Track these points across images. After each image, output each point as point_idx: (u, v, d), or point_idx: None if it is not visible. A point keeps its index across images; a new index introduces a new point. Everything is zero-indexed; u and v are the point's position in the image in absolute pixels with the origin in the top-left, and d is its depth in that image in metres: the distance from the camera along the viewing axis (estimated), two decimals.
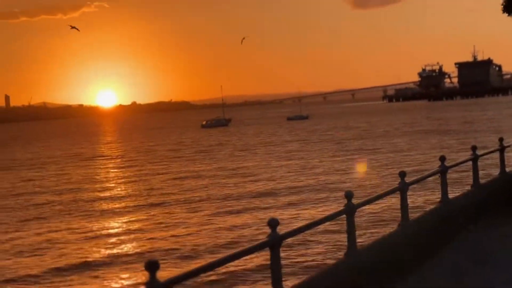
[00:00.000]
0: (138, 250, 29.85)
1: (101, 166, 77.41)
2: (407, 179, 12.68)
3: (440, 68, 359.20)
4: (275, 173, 56.54)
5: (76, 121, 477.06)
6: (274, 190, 45.67)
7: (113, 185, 56.93)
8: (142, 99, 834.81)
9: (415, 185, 15.65)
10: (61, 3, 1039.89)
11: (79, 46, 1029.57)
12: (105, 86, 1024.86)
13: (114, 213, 40.95)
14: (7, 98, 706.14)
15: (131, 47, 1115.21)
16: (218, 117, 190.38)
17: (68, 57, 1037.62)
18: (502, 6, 23.20)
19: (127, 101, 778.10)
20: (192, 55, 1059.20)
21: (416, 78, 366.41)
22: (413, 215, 13.12)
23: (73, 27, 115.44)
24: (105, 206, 44.27)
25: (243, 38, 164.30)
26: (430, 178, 16.63)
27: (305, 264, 24.92)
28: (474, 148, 16.69)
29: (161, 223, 36.08)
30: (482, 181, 16.78)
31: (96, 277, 25.82)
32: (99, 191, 52.66)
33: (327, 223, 11.53)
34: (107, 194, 50.83)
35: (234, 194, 44.78)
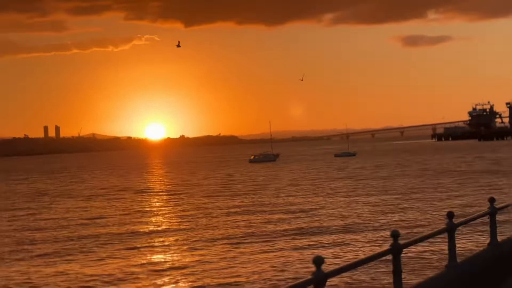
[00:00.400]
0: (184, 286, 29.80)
1: (149, 200, 77.67)
2: (455, 220, 12.47)
3: (491, 108, 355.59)
4: (320, 209, 56.29)
5: (124, 153, 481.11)
6: (319, 227, 45.41)
7: (160, 219, 57.07)
8: (191, 133, 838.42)
9: (463, 227, 15.39)
10: (113, 36, 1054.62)
11: (129, 79, 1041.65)
12: (153, 119, 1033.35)
13: (156, 248, 41.00)
14: (57, 129, 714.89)
15: (181, 80, 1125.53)
16: (266, 152, 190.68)
17: (118, 90, 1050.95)
18: None
19: (175, 134, 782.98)
20: (241, 90, 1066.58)
21: (466, 117, 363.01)
22: (460, 257, 12.89)
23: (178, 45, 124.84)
24: (149, 240, 44.35)
25: (303, 76, 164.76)
26: (479, 220, 16.34)
27: None
28: None
29: (202, 259, 36.01)
30: None
31: None
32: (145, 225, 52.85)
33: (372, 262, 11.36)
34: (152, 227, 51.00)
35: (279, 230, 44.59)
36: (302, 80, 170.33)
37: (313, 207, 58.59)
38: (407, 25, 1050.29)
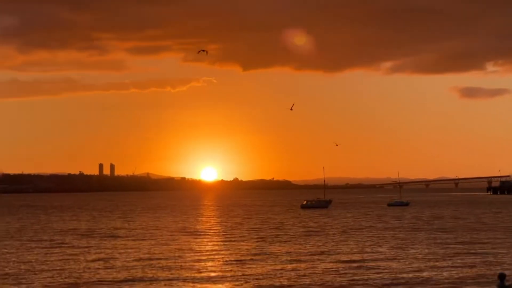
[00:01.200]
0: None
1: (201, 241, 78.05)
2: (507, 282, 12.68)
3: None
4: (367, 258, 56.35)
5: (178, 193, 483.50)
6: (366, 276, 45.45)
7: (211, 263, 57.40)
8: (244, 176, 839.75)
9: None
10: (171, 77, 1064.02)
11: (186, 120, 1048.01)
12: (208, 160, 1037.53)
13: None
14: (112, 167, 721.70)
15: (236, 123, 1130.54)
16: (319, 198, 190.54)
17: (173, 130, 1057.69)
18: None
19: (229, 177, 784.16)
20: (296, 135, 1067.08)
21: None
22: None
23: (201, 51, 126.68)
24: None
25: (292, 106, 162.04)
26: None
27: None
28: None
29: None
30: None
31: None
32: (200, 270, 53.22)
33: None
34: (204, 273, 51.39)
35: (332, 282, 44.61)
36: (291, 109, 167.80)
37: (362, 256, 58.61)
38: (466, 76, 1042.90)
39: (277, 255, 60.57)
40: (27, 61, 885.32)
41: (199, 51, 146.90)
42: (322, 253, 62.54)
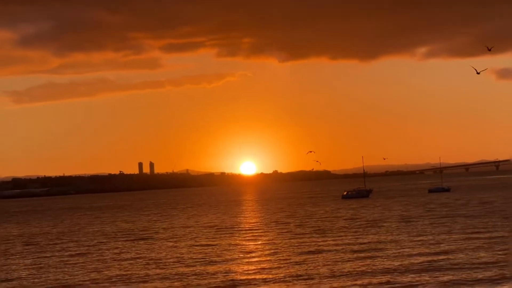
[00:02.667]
0: None
1: (243, 238, 78.32)
2: None
3: None
4: (403, 249, 56.40)
5: (218, 189, 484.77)
6: (404, 267, 45.56)
7: (254, 258, 57.68)
8: (284, 168, 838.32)
9: None
10: (206, 72, 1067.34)
11: (222, 115, 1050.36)
12: (247, 154, 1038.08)
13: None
14: (151, 165, 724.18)
15: (274, 116, 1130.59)
16: (359, 187, 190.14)
17: (211, 126, 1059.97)
18: None
19: (268, 170, 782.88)
20: (334, 124, 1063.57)
21: None
22: None
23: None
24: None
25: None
26: None
27: None
28: None
29: None
30: None
31: None
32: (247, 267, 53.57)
33: None
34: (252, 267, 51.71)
35: (363, 270, 44.77)
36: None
37: (395, 246, 58.57)
38: (502, 58, 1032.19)
39: (308, 245, 60.73)
40: (62, 64, 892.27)
41: (307, 152, 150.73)
42: (348, 244, 62.50)
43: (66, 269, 56.42)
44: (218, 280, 46.08)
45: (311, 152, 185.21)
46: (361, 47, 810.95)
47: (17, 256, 69.96)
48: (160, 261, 58.43)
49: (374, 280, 42.53)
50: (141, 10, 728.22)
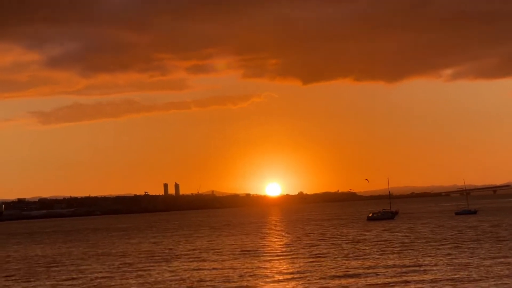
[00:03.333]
0: None
1: (267, 261, 77.79)
2: None
3: None
4: (427, 273, 55.62)
5: (243, 210, 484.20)
6: None
7: (279, 282, 57.22)
8: (309, 190, 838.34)
9: None
10: (232, 93, 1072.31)
11: (248, 136, 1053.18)
12: (272, 175, 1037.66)
13: None
14: (177, 186, 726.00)
15: (299, 137, 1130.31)
16: (384, 209, 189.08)
17: (236, 147, 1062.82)
18: None
19: (294, 191, 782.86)
20: (359, 146, 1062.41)
21: None
22: None
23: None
24: None
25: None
26: None
27: None
28: None
29: None
30: None
31: None
32: None
33: None
34: None
35: None
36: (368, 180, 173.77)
37: (418, 271, 57.86)
38: None
39: (332, 269, 60.14)
40: (89, 85, 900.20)
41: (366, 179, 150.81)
42: (395, 266, 61.81)
43: None
44: None
45: (367, 180, 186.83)
46: (386, 69, 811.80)
47: (43, 276, 69.87)
48: (184, 282, 58.09)
49: None
50: (167, 31, 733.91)
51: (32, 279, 68.41)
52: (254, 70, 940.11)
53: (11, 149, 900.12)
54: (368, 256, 73.61)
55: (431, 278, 53.07)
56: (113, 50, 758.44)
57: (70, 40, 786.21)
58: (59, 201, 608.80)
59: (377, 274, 57.17)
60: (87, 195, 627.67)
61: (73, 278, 66.99)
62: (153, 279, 61.99)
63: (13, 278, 70.67)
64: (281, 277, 59.06)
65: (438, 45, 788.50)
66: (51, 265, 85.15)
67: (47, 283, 64.25)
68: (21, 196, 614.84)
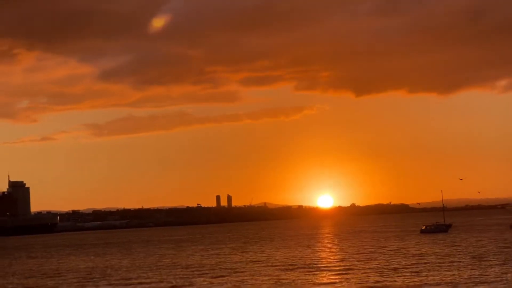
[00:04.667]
0: None
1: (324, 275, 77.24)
2: None
3: None
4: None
5: (295, 222, 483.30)
6: None
7: None
8: (361, 201, 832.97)
9: None
10: (284, 106, 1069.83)
11: (300, 148, 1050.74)
12: (324, 187, 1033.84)
13: None
14: (229, 198, 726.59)
15: (351, 149, 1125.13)
16: (438, 222, 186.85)
17: (288, 159, 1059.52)
18: None
19: (346, 203, 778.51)
20: (412, 158, 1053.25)
21: None
22: None
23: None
24: None
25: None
26: None
27: None
28: None
29: None
30: None
31: None
32: None
33: None
34: None
35: None
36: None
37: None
38: None
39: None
40: (142, 98, 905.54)
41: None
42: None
43: None
44: None
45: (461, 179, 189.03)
46: (439, 80, 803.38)
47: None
48: None
49: None
50: (220, 44, 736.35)
51: None
52: (306, 83, 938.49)
53: (65, 161, 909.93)
54: (420, 269, 72.62)
55: None
56: (166, 63, 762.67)
57: (123, 53, 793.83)
58: (113, 213, 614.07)
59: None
60: (140, 207, 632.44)
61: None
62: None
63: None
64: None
65: (492, 56, 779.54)
66: (96, 277, 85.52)
67: None
68: (75, 208, 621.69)
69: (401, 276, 67.48)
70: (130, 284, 73.35)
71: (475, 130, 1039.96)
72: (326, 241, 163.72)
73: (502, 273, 65.14)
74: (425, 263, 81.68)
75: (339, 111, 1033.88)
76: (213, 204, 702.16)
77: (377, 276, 68.36)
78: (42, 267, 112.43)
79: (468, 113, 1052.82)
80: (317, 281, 67.55)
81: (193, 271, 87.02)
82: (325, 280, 68.17)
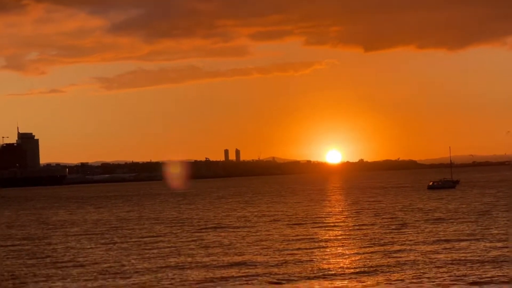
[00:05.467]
0: None
1: (317, 231, 77.19)
2: None
3: None
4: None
5: (303, 176, 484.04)
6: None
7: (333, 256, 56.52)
8: (370, 157, 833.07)
9: None
10: (294, 60, 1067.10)
11: (309, 103, 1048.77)
12: (333, 143, 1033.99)
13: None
14: (237, 152, 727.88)
15: (360, 104, 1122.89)
16: (445, 178, 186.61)
17: (297, 114, 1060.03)
18: None
19: (354, 159, 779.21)
20: (420, 114, 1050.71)
21: None
22: None
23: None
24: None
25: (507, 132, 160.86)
26: None
27: None
28: None
29: None
30: None
31: None
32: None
33: None
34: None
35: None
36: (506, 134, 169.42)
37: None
38: None
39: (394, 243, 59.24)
40: (152, 51, 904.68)
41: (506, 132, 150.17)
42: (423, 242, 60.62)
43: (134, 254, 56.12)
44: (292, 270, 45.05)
45: (509, 131, 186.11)
46: (449, 36, 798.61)
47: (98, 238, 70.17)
48: (232, 245, 57.85)
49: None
50: None
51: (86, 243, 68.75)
52: (316, 38, 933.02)
53: (74, 113, 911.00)
54: (429, 224, 72.56)
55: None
56: (177, 16, 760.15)
57: (134, 6, 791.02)
58: (121, 166, 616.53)
59: (433, 242, 56.18)
60: (149, 160, 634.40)
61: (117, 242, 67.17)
62: (197, 244, 61.71)
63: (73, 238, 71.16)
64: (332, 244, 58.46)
65: (503, 12, 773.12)
66: (106, 227, 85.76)
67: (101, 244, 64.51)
68: (84, 161, 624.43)
69: (406, 232, 67.38)
70: (136, 237, 73.46)
71: (484, 86, 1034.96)
72: (334, 196, 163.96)
73: (507, 228, 64.98)
74: (431, 219, 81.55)
75: (349, 66, 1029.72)
76: (222, 158, 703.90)
77: (383, 233, 68.24)
78: (49, 219, 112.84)
79: (477, 69, 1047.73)
80: (323, 237, 67.52)
81: (199, 225, 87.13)
82: (330, 237, 68.18)
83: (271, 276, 43.23)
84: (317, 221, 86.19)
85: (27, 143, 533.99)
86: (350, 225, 78.71)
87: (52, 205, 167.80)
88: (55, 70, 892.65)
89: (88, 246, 65.22)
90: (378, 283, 39.63)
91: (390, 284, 39.25)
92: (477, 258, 47.06)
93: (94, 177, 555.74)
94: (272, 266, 47.33)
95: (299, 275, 43.30)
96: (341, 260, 49.71)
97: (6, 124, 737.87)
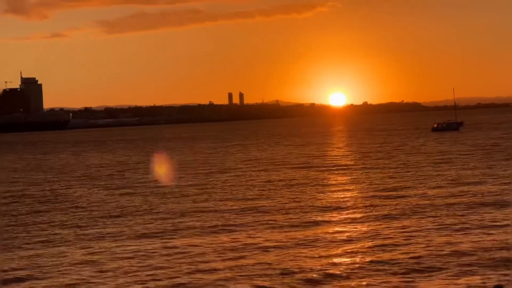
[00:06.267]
0: None
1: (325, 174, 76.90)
2: None
3: None
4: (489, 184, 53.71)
5: (307, 120, 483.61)
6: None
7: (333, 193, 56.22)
8: (374, 100, 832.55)
9: None
10: (296, 3, 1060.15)
11: (313, 45, 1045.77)
12: (337, 85, 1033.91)
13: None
14: (241, 95, 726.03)
15: (364, 47, 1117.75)
16: (449, 120, 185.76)
17: (301, 56, 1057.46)
18: None
19: (358, 101, 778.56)
20: (425, 56, 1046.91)
21: None
22: None
23: None
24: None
25: None
26: None
27: None
28: None
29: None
30: None
31: None
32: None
33: None
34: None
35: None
36: None
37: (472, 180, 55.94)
38: None
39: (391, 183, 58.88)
40: None
41: None
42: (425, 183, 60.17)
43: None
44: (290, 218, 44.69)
45: None
46: None
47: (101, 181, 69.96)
48: (235, 187, 57.53)
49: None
50: None
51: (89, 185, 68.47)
52: None
53: (77, 58, 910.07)
54: (429, 167, 72.15)
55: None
56: None
57: None
58: (125, 110, 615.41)
59: (434, 186, 55.76)
60: (152, 105, 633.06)
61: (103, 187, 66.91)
62: (193, 190, 61.40)
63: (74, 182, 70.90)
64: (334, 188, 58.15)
65: None
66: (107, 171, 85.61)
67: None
68: (87, 105, 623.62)
69: (408, 175, 66.99)
70: (137, 181, 73.23)
71: (489, 28, 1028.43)
72: (338, 139, 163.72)
73: (510, 169, 64.51)
74: (434, 161, 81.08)
75: (352, 9, 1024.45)
76: (225, 101, 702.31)
77: (385, 176, 67.87)
78: (51, 162, 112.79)
79: (482, 10, 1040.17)
80: (328, 182, 67.23)
81: (204, 168, 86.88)
82: (334, 182, 67.91)
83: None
84: (324, 165, 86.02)
85: (30, 88, 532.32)
86: (353, 169, 78.47)
87: (54, 149, 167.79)
88: (56, 14, 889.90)
89: (92, 191, 64.97)
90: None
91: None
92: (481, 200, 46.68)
93: (97, 121, 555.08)
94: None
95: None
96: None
97: (9, 69, 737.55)
